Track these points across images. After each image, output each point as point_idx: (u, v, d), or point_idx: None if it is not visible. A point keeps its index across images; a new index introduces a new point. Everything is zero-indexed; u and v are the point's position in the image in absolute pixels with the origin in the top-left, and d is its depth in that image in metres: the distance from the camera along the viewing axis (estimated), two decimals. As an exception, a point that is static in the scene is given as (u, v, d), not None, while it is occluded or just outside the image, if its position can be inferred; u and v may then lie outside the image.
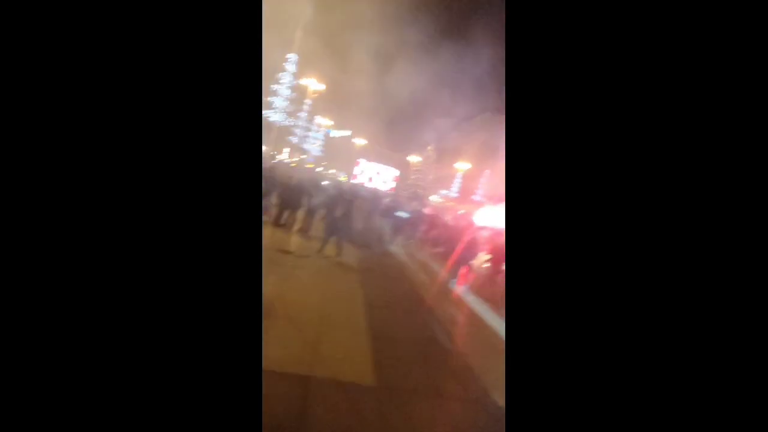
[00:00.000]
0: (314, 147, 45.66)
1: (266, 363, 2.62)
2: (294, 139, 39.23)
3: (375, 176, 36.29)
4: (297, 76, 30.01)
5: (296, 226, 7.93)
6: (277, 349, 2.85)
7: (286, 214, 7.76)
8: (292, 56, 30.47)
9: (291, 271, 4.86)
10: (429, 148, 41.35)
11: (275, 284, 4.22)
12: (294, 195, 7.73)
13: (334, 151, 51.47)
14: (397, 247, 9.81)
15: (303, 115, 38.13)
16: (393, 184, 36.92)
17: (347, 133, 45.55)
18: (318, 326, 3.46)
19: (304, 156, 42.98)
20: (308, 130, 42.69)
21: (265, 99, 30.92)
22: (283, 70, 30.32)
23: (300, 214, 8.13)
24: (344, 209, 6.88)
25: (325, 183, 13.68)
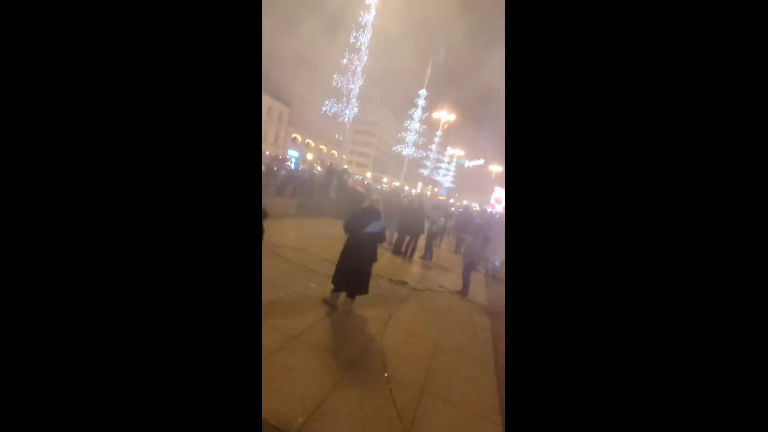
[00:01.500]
0: (446, 179, 45.71)
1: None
2: (425, 172, 40.29)
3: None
4: (427, 109, 31.12)
5: (417, 254, 7.17)
6: (357, 419, 1.93)
7: (406, 241, 7.12)
8: (423, 92, 31.93)
9: (401, 307, 3.98)
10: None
11: (379, 320, 3.41)
12: (415, 220, 7.05)
13: (468, 181, 50.11)
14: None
15: (434, 147, 38.98)
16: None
17: (480, 162, 43.92)
18: (422, 390, 2.37)
19: (436, 189, 43.48)
20: (439, 161, 43.27)
21: (398, 134, 33.21)
22: (415, 106, 32.04)
23: (421, 242, 7.36)
24: (475, 237, 5.77)
25: (452, 209, 12.93)
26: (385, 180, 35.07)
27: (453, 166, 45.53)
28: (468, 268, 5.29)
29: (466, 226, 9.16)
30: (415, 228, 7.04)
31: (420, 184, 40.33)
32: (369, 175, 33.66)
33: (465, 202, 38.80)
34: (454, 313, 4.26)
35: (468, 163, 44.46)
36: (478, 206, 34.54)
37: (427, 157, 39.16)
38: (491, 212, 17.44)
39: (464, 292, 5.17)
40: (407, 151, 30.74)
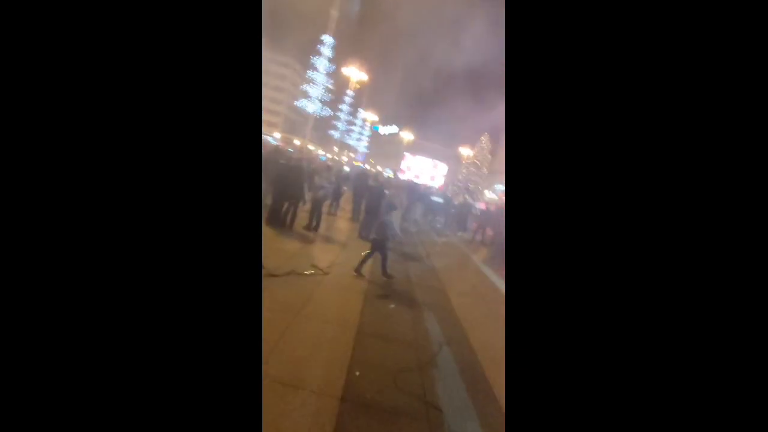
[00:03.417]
0: (360, 144, 44.34)
1: None
2: (335, 134, 37.63)
3: (422, 172, 33.87)
4: (335, 62, 27.58)
5: (298, 225, 5.95)
6: None
7: (285, 208, 5.80)
8: (328, 38, 27.50)
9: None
10: (482, 138, 37.53)
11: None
12: (293, 183, 5.74)
13: (382, 147, 49.78)
14: (442, 258, 7.31)
15: (344, 107, 36.32)
16: (442, 180, 34.17)
17: (394, 130, 43.72)
18: None
19: (352, 155, 41.98)
20: (351, 124, 41.32)
21: (300, 87, 29.24)
22: (318, 54, 27.58)
23: (302, 209, 6.14)
24: (371, 203, 4.88)
25: (345, 169, 12.49)
26: (297, 142, 31.62)
27: (367, 131, 44.26)
28: (374, 248, 4.38)
29: (363, 191, 8.23)
30: (293, 192, 5.73)
31: (336, 149, 38.19)
32: (278, 135, 29.83)
33: (379, 168, 38.45)
34: (313, 306, 3.23)
35: (383, 130, 43.81)
36: (392, 172, 34.55)
37: (337, 118, 36.57)
38: (397, 177, 17.14)
39: (359, 270, 4.32)
40: (312, 107, 27.13)
